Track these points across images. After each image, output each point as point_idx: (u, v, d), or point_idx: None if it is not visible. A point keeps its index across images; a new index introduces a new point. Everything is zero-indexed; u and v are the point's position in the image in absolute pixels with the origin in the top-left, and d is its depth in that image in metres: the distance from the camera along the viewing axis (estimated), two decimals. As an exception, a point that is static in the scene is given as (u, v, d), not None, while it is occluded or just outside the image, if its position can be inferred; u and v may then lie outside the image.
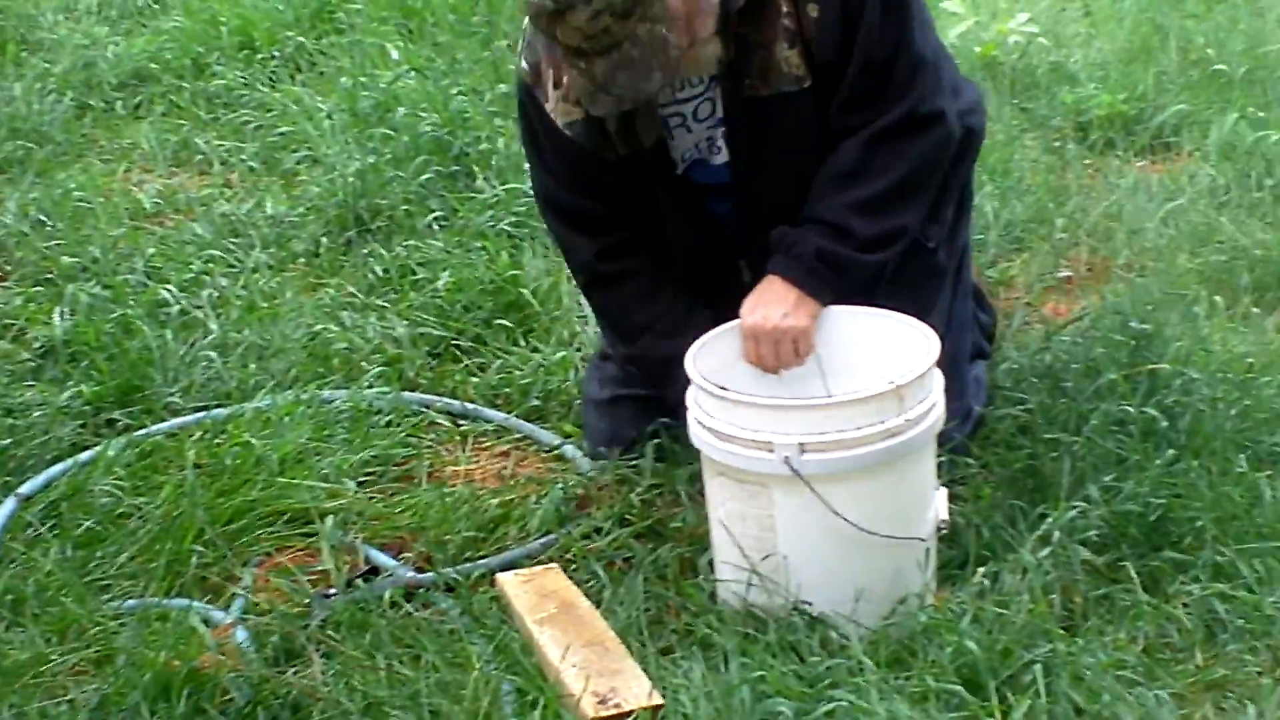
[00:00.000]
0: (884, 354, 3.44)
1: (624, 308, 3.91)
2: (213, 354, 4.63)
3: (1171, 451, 3.63)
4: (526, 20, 3.64)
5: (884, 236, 3.55)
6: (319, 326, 4.82)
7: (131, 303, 4.94)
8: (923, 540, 3.29)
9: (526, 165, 4.04)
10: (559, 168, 3.80)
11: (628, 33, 3.23)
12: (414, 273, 5.15)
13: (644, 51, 3.26)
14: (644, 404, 3.91)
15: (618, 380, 4.03)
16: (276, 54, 7.43)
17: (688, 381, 3.36)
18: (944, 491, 3.39)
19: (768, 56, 3.52)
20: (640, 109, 3.57)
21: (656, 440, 3.87)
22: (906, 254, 3.68)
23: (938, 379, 3.33)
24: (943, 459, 3.49)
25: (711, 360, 3.42)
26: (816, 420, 3.16)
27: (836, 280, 3.52)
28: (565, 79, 3.60)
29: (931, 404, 3.27)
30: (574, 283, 4.33)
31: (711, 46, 3.47)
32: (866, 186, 3.53)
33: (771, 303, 3.49)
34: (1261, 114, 5.98)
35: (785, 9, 3.48)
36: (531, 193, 4.34)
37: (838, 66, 3.52)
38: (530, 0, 3.27)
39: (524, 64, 3.72)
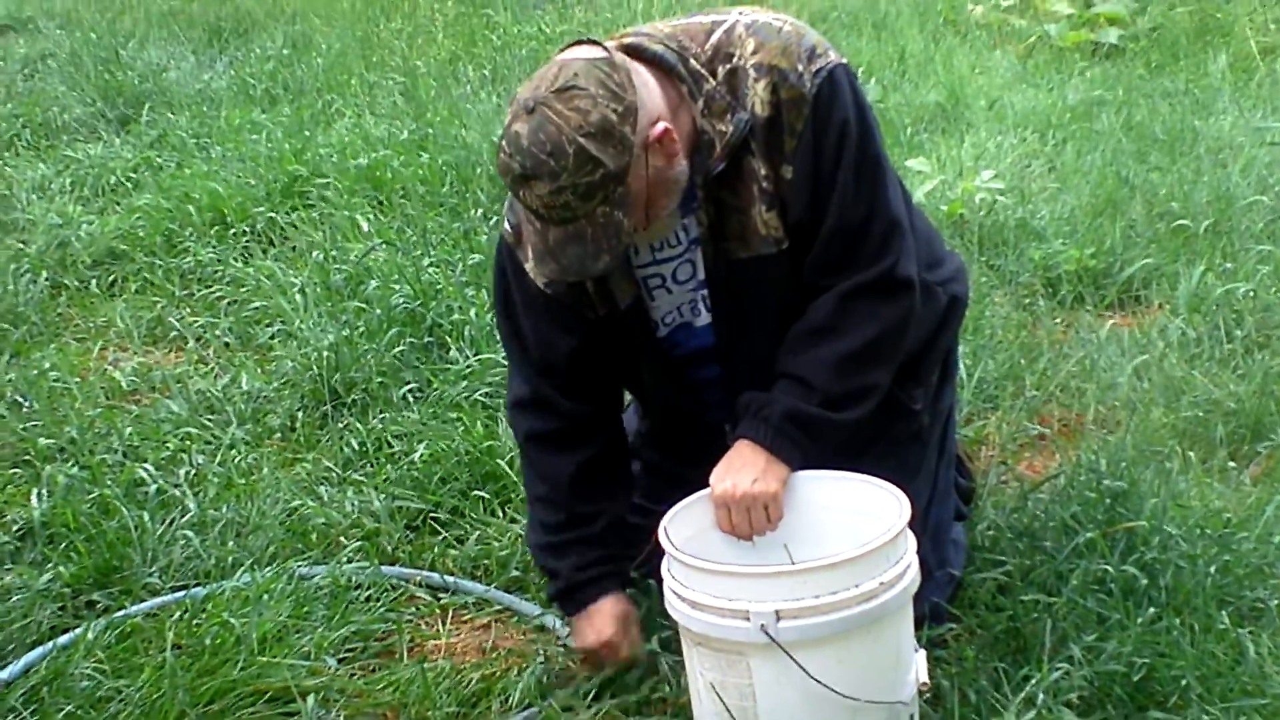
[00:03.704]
0: (856, 517, 3.44)
1: (529, 480, 4.01)
2: (190, 533, 4.61)
3: (1153, 609, 3.62)
4: None
5: (854, 395, 3.54)
6: (296, 502, 4.82)
7: (109, 483, 4.93)
8: (905, 704, 3.27)
9: (498, 335, 4.02)
10: (532, 333, 3.80)
11: (586, 212, 3.27)
12: (390, 445, 5.17)
13: (597, 232, 3.29)
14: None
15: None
16: (248, 229, 7.53)
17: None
18: (923, 654, 3.37)
19: (745, 220, 3.52)
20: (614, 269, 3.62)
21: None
22: (890, 417, 3.71)
23: (910, 540, 3.32)
24: (923, 622, 3.49)
25: (685, 529, 3.43)
26: (791, 586, 3.14)
27: (806, 441, 3.51)
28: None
29: (906, 565, 3.26)
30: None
31: (668, 218, 3.50)
32: (840, 343, 3.52)
33: (740, 469, 3.49)
34: (1229, 265, 6.03)
35: (763, 172, 3.49)
36: (505, 361, 4.36)
37: (807, 224, 3.53)
38: (500, 158, 3.31)
39: (506, 225, 3.74)
